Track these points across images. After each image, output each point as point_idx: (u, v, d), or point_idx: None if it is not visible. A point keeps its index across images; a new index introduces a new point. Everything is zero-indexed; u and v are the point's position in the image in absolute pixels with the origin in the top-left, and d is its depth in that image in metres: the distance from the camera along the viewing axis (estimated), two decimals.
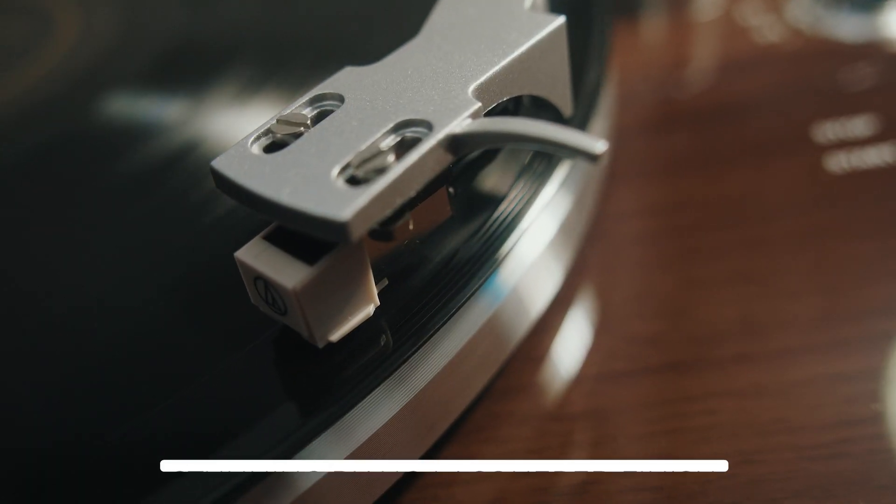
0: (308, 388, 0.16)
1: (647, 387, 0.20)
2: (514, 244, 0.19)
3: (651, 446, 0.18)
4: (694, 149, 0.27)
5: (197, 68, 0.28)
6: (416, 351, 0.17)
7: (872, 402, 0.18)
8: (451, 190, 0.18)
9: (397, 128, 0.16)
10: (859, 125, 0.27)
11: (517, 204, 0.20)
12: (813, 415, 0.18)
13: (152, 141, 0.25)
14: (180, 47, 0.29)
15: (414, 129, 0.16)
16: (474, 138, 0.15)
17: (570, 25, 0.18)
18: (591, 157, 0.14)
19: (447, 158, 0.16)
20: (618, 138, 0.28)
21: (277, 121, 0.16)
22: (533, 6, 0.19)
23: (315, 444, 0.15)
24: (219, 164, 0.16)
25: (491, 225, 0.19)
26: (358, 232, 0.14)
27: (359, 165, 0.15)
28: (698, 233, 0.24)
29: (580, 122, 0.22)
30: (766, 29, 0.33)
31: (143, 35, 0.30)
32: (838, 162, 0.25)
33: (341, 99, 0.17)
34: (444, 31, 0.18)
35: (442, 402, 0.18)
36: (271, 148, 0.16)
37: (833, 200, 0.24)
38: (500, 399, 0.20)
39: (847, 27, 0.32)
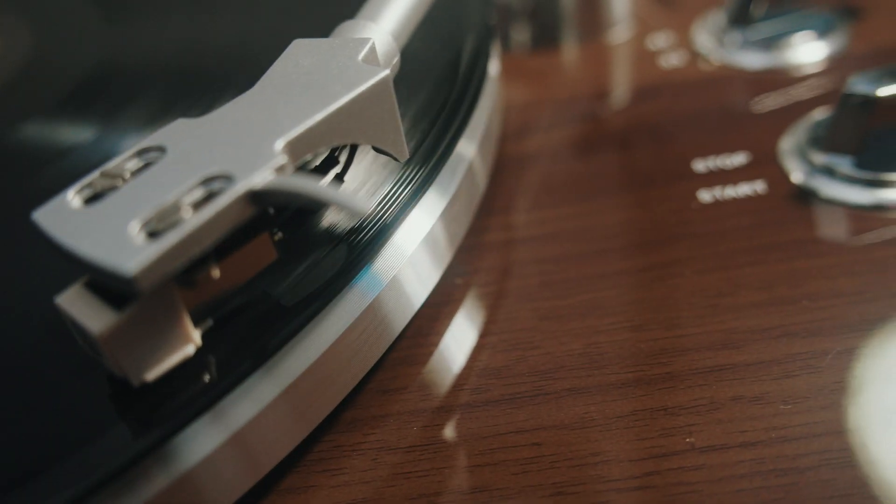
0: (129, 422, 0.17)
1: (483, 419, 0.21)
2: (364, 276, 0.20)
3: (473, 479, 0.19)
4: (580, 178, 0.28)
5: (108, 95, 0.29)
6: (237, 385, 0.18)
7: (688, 436, 0.19)
8: (279, 234, 0.19)
9: (205, 181, 0.17)
10: (739, 155, 0.27)
11: (369, 233, 0.21)
12: (629, 447, 0.19)
13: (59, 167, 0.26)
14: (93, 74, 0.31)
15: (220, 183, 0.17)
16: (272, 194, 0.16)
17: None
18: (358, 215, 0.15)
19: (247, 211, 0.17)
20: (498, 168, 0.29)
21: (100, 174, 0.17)
22: (365, 57, 0.20)
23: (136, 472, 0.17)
24: (38, 214, 0.17)
25: (332, 255, 0.20)
26: (147, 284, 0.15)
27: (159, 219, 0.16)
28: (562, 265, 0.25)
29: (444, 154, 0.23)
30: (672, 57, 0.34)
31: (55, 61, 0.32)
32: (711, 192, 0.26)
33: (164, 151, 0.18)
34: (279, 82, 0.19)
35: (275, 433, 0.19)
36: (92, 200, 0.17)
37: (697, 231, 0.25)
38: (345, 429, 0.21)
39: (751, 57, 0.32)
